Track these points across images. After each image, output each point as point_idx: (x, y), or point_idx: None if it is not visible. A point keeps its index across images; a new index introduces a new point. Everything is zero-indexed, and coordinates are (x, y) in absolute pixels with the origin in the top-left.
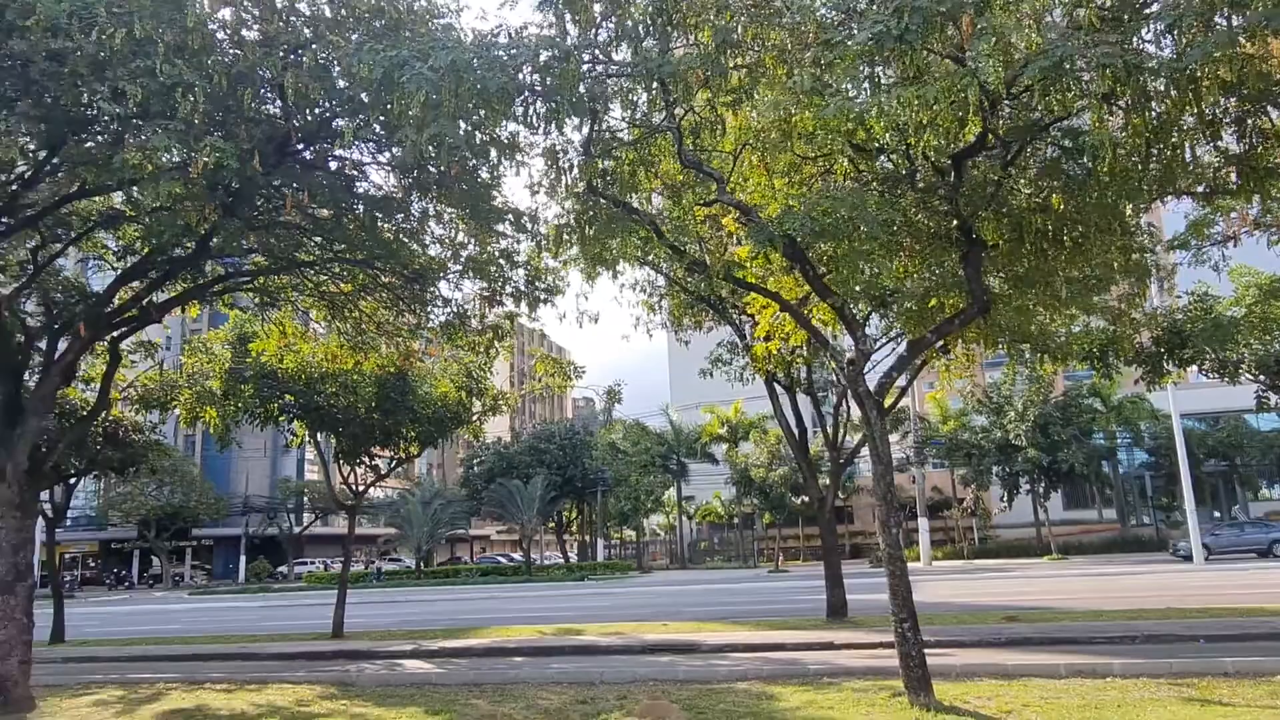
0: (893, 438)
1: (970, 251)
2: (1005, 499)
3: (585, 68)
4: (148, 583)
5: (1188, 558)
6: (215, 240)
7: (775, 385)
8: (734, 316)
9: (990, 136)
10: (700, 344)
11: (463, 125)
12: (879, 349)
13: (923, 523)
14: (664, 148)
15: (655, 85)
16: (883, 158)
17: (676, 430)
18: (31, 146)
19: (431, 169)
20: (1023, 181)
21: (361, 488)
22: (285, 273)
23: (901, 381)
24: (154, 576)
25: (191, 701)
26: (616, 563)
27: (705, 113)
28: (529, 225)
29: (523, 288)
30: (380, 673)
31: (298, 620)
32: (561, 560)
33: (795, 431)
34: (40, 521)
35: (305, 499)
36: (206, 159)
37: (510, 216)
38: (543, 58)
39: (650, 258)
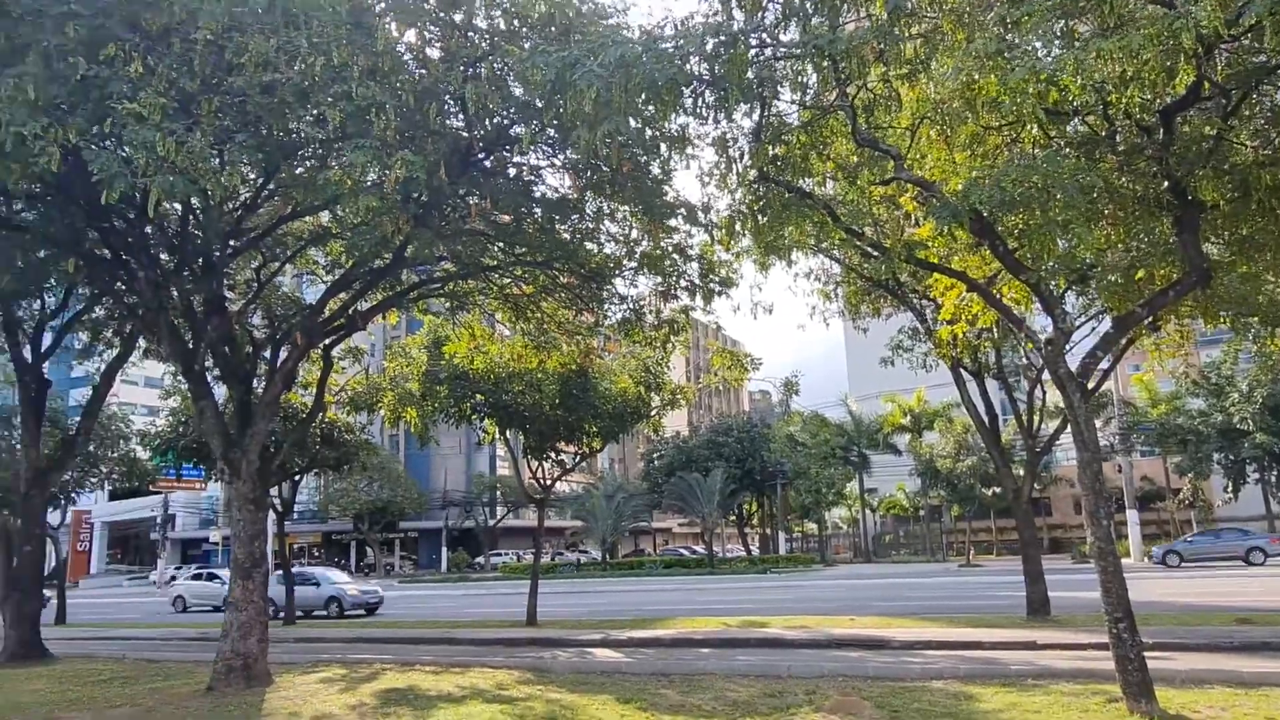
0: (1095, 424)
1: (1185, 215)
2: (1229, 489)
3: (753, 52)
4: (363, 571)
5: None
6: (409, 250)
7: (962, 371)
8: (915, 301)
9: (1206, 85)
10: (879, 331)
11: (633, 122)
12: (1078, 328)
13: (1132, 515)
14: (836, 128)
15: (826, 63)
16: (1077, 120)
17: (857, 421)
18: (250, 174)
19: (604, 168)
20: (1246, 133)
21: (548, 482)
22: (472, 277)
23: (1104, 363)
24: (368, 565)
25: (404, 682)
26: (798, 556)
27: (879, 88)
28: (701, 217)
29: (697, 281)
30: (573, 660)
31: (495, 608)
32: (743, 553)
33: (985, 419)
34: (271, 514)
35: (498, 493)
36: (398, 173)
37: (682, 210)
38: (709, 45)
39: (825, 244)
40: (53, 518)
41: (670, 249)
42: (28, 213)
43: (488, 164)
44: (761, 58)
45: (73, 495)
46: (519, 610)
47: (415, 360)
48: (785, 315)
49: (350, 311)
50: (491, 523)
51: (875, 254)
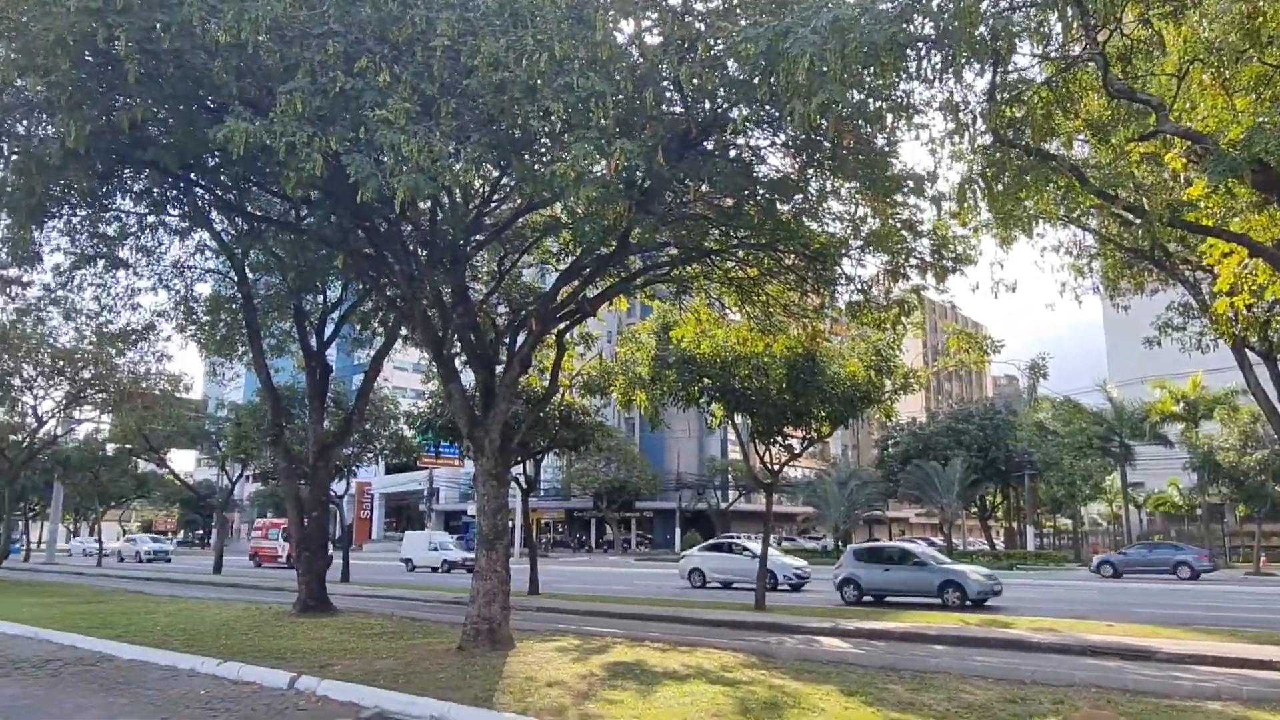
0: None
1: None
2: None
3: (985, 4)
4: (603, 548)
5: None
6: (632, 237)
7: (1246, 352)
8: (1185, 272)
9: None
10: (1142, 309)
11: (854, 94)
12: None
13: None
14: (1084, 82)
15: (1072, 10)
16: None
17: (1117, 408)
18: (487, 172)
19: (824, 143)
20: None
21: (777, 466)
22: (695, 262)
23: None
24: (607, 543)
25: (632, 657)
26: (1049, 553)
27: (1137, 32)
28: (929, 189)
29: (928, 258)
30: (798, 647)
31: (722, 593)
32: (986, 547)
33: (1278, 406)
34: (518, 492)
35: (729, 476)
36: (618, 160)
37: (909, 183)
38: (934, 1)
39: (1074, 213)
40: (338, 487)
41: (898, 225)
42: (306, 218)
43: (706, 147)
44: (995, 10)
45: (354, 468)
46: (746, 595)
47: (644, 345)
48: (1031, 293)
49: (580, 298)
50: (723, 506)
51: (1135, 220)
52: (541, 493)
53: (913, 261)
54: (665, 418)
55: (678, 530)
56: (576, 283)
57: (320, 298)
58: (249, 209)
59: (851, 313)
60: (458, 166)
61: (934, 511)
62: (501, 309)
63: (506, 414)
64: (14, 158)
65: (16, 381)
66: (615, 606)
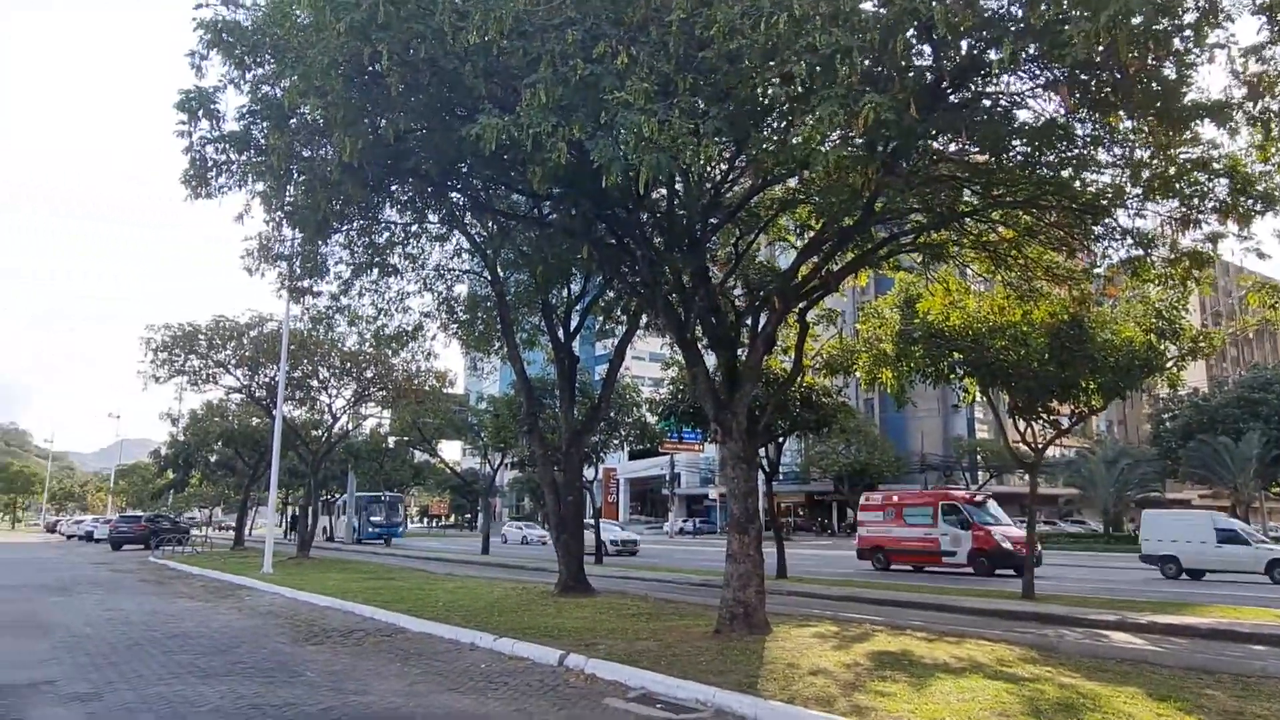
0: None
1: None
2: None
3: None
4: (845, 531)
5: None
6: (878, 205)
7: None
8: None
9: None
10: None
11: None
12: None
13: None
14: None
15: None
16: None
17: None
18: (724, 147)
19: (1103, 75)
20: None
21: (1040, 444)
22: (944, 227)
23: None
24: (850, 526)
25: (896, 646)
26: None
27: None
28: (1236, 117)
29: (1226, 200)
30: (1083, 642)
31: (976, 581)
32: None
33: None
34: (760, 475)
35: (978, 458)
36: (867, 115)
37: (1209, 113)
38: None
39: None
40: (589, 473)
41: (1189, 165)
42: (550, 214)
43: (959, 98)
44: None
45: (601, 454)
46: (1007, 583)
47: (887, 320)
48: None
49: (822, 272)
50: (973, 488)
51: None
52: (780, 477)
53: (1209, 204)
54: (910, 396)
55: None
56: (817, 258)
57: (565, 291)
58: (498, 209)
59: (1129, 270)
60: (697, 144)
61: (1224, 492)
62: (739, 290)
63: (751, 396)
64: (301, 179)
65: (314, 383)
66: (868, 592)
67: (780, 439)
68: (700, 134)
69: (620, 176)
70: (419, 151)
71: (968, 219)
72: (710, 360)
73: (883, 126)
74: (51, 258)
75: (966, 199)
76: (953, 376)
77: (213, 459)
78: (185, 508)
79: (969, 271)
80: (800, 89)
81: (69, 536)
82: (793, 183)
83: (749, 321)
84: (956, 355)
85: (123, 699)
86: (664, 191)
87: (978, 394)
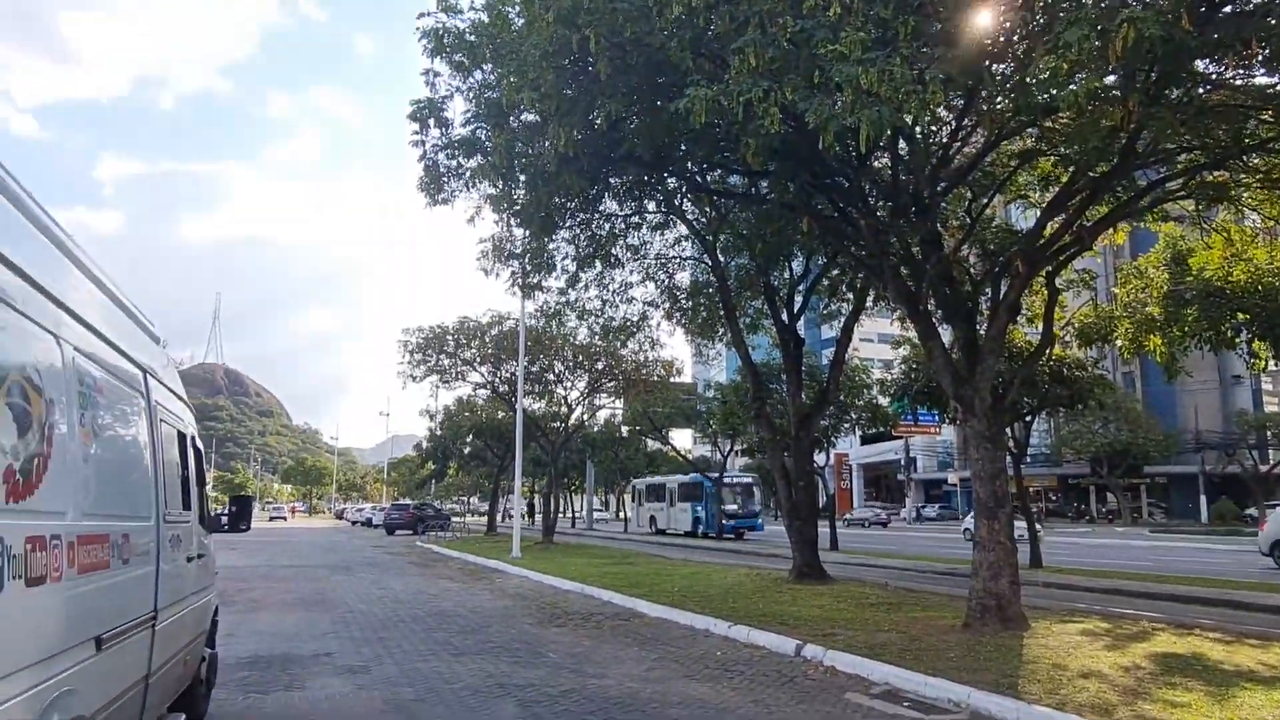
0: None
1: None
2: None
3: None
4: (1105, 517)
5: None
6: (1139, 146)
7: None
8: None
9: None
10: None
11: None
12: None
13: None
14: None
15: None
16: None
17: None
18: (954, 101)
19: None
20: None
21: None
22: (1223, 166)
23: None
24: (1110, 512)
25: (1184, 648)
26: None
27: None
28: None
29: None
30: None
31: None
32: None
33: None
34: (1008, 458)
35: (1268, 433)
36: (1126, 36)
37: None
38: None
39: None
40: (819, 459)
41: None
42: (768, 193)
43: (1243, 4)
44: None
45: (832, 439)
46: None
47: (1152, 280)
48: None
49: (1074, 227)
50: (1264, 468)
51: None
52: (1029, 459)
53: None
54: (1182, 365)
55: (1202, 498)
56: (1064, 215)
57: (787, 272)
58: (714, 190)
59: None
60: (922, 93)
61: None
62: (975, 257)
63: (994, 370)
64: (523, 178)
65: (550, 376)
66: (1142, 585)
67: (1028, 417)
68: (926, 82)
69: (838, 137)
70: (632, 137)
71: (1253, 154)
72: (945, 335)
73: (1146, 48)
74: (335, 282)
75: (1251, 130)
76: (1237, 341)
77: (466, 451)
78: (445, 496)
79: (1254, 217)
80: (1041, 18)
81: (353, 522)
82: (1031, 136)
83: (988, 290)
84: (1241, 316)
85: (387, 673)
86: (887, 158)
87: (1270, 358)
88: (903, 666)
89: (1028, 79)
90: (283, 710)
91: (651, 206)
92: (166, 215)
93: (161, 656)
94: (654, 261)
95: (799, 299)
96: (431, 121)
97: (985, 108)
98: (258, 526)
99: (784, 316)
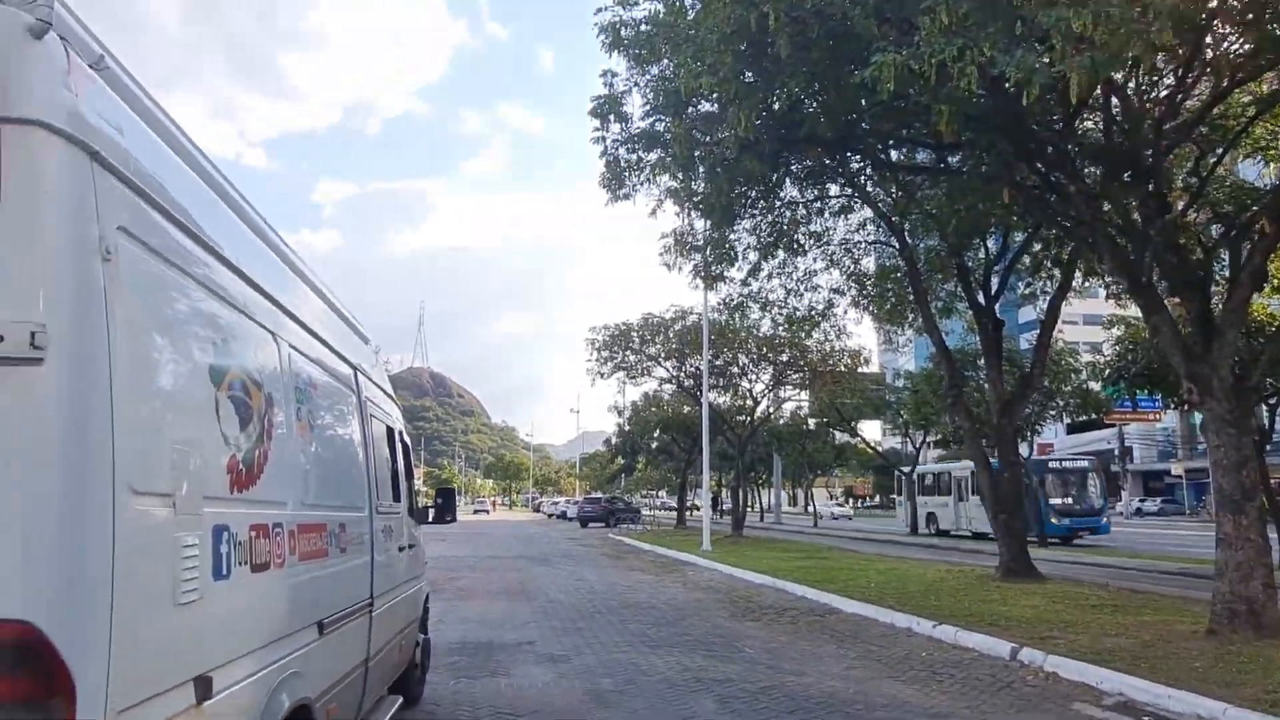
0: None
1: None
2: None
3: None
4: None
5: None
6: None
7: None
8: None
9: None
10: None
11: None
12: None
13: None
14: None
15: None
16: None
17: None
18: (1179, 48)
19: None
20: None
21: None
22: None
23: None
24: None
25: None
26: None
27: None
28: None
29: None
30: None
31: None
32: None
33: None
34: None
35: None
36: None
37: None
38: None
39: None
40: (1021, 449)
41: None
42: (960, 167)
43: None
44: None
45: (1036, 428)
46: None
47: None
48: None
49: None
50: None
51: None
52: (1269, 446)
53: None
54: None
55: None
56: None
57: (982, 252)
58: (902, 167)
59: None
60: (1145, 34)
61: None
62: (1206, 220)
63: (1234, 346)
64: (702, 167)
65: (734, 369)
66: None
67: (1271, 400)
68: (1153, 15)
69: (1042, 95)
70: (813, 117)
71: None
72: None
73: None
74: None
75: None
76: None
77: (653, 446)
78: (634, 490)
79: None
80: None
81: (549, 515)
82: (1269, 80)
83: (1224, 256)
84: None
85: (586, 662)
86: (1097, 118)
87: None
88: (1137, 675)
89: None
90: (490, 696)
91: (834, 190)
92: (375, 231)
93: (379, 641)
94: (838, 247)
95: (996, 280)
96: (611, 117)
97: (1214, 51)
98: (463, 519)
99: (980, 298)
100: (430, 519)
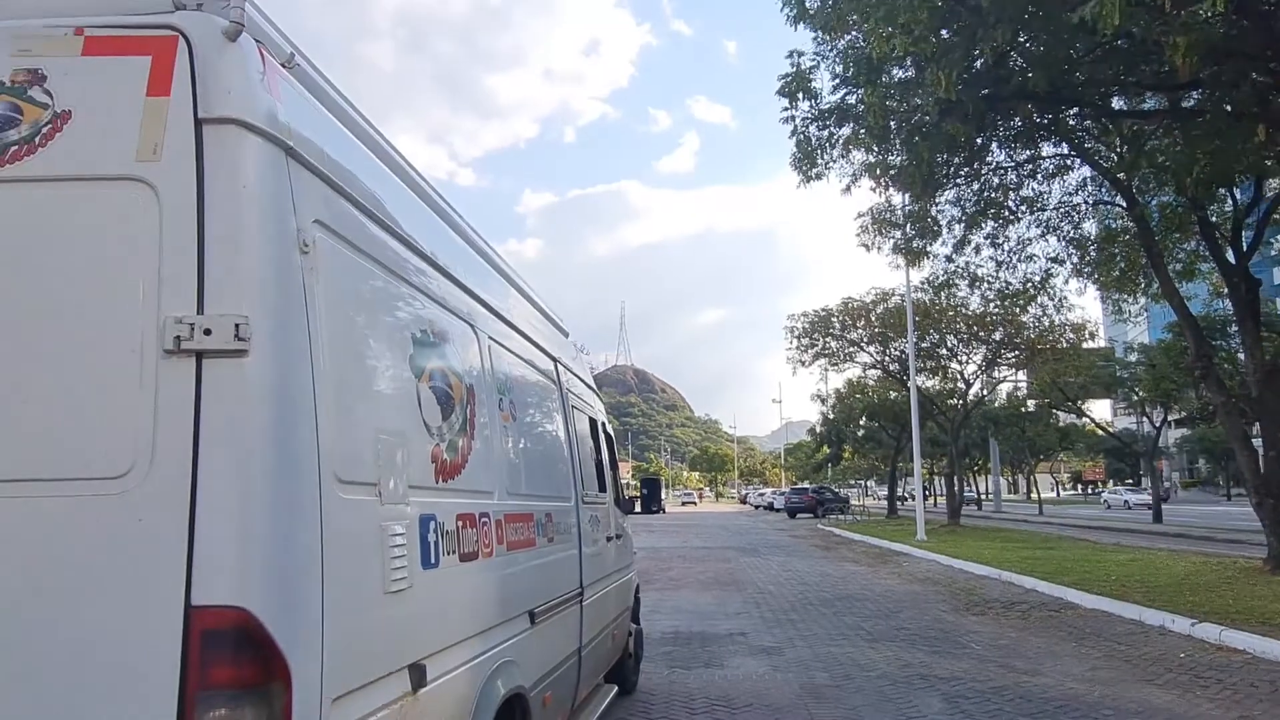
0: None
1: None
2: None
3: None
4: None
5: None
6: None
7: None
8: None
9: None
10: None
11: None
12: None
13: None
14: None
15: None
16: None
17: None
18: None
19: None
20: None
21: None
22: None
23: None
24: None
25: None
26: None
27: None
28: None
29: None
30: None
31: None
32: None
33: None
34: None
35: None
36: None
37: None
38: None
39: None
40: None
41: None
42: (1198, 102)
43: None
44: None
45: None
46: None
47: None
48: None
49: None
50: None
51: None
52: None
53: None
54: None
55: None
56: None
57: (1228, 205)
58: (1127, 114)
59: None
60: None
61: None
62: None
63: None
64: (899, 138)
65: (942, 351)
66: None
67: None
68: None
69: None
70: (1022, 70)
71: None
72: None
73: None
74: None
75: None
76: None
77: (859, 433)
78: (842, 480)
79: None
80: None
81: (755, 506)
82: None
83: None
84: None
85: (800, 655)
86: None
87: None
88: None
89: None
90: (704, 686)
91: (1048, 149)
92: (576, 236)
93: (591, 631)
94: (1054, 212)
95: (1247, 235)
96: (800, 94)
97: None
98: (671, 511)
99: (1229, 256)
100: (637, 509)
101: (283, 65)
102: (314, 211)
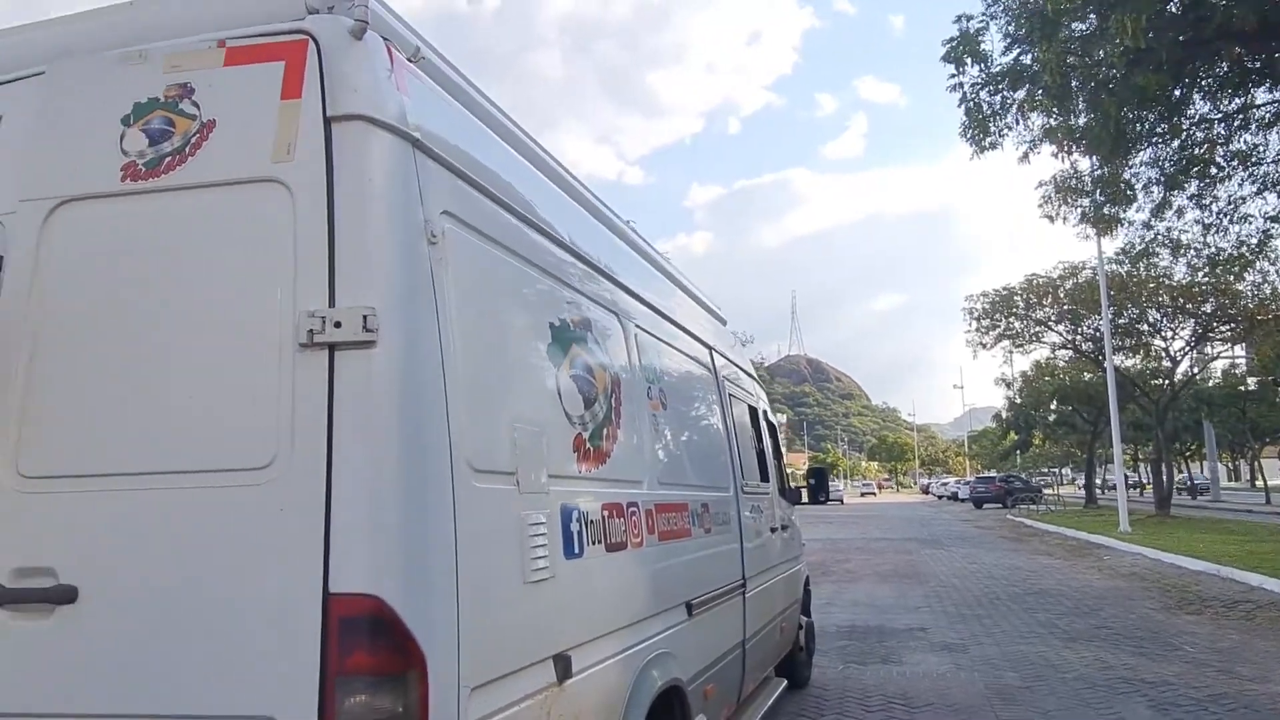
0: None
1: None
2: None
3: None
4: None
5: None
6: None
7: None
8: None
9: None
10: None
11: None
12: None
13: None
14: None
15: None
16: None
17: None
18: None
19: None
20: None
21: None
22: None
23: None
24: None
25: None
26: None
27: None
28: None
29: None
30: None
31: None
32: None
33: None
34: None
35: None
36: None
37: None
38: None
39: None
40: None
41: None
42: None
43: None
44: None
45: None
46: None
47: None
48: None
49: None
50: None
51: None
52: None
53: None
54: None
55: None
56: None
57: None
58: None
59: None
60: None
61: None
62: None
63: None
64: (1081, 97)
65: (1143, 327)
66: None
67: None
68: None
69: None
70: (1225, 6)
71: None
72: None
73: None
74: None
75: None
76: None
77: (1050, 418)
78: (1032, 467)
79: None
80: None
81: (938, 496)
82: None
83: None
84: None
85: (985, 653)
86: None
87: None
88: None
89: None
90: (881, 683)
91: (1262, 95)
92: (744, 227)
93: (755, 624)
94: (1272, 166)
95: None
96: (968, 59)
97: None
98: (850, 502)
99: None
100: (804, 499)
101: (409, 59)
102: (442, 203)
